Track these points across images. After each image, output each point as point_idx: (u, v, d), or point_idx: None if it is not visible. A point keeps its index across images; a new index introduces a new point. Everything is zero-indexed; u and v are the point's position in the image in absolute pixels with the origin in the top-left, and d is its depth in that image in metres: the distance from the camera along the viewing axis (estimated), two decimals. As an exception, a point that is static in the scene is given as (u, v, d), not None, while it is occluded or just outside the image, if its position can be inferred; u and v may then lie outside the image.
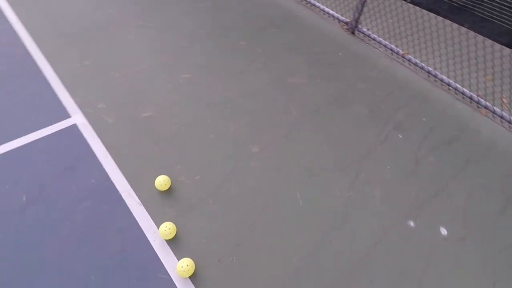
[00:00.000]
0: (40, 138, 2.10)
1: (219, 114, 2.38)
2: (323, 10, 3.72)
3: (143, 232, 1.77)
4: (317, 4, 3.77)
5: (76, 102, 2.35)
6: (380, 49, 3.30)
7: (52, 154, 2.04)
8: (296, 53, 3.02)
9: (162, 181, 1.90)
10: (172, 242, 1.75)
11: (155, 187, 1.92)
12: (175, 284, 1.62)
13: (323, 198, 2.01)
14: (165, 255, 1.70)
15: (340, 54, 3.15)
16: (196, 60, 2.80)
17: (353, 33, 3.53)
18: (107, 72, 2.61)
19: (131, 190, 1.92)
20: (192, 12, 3.40)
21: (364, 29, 3.40)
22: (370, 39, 3.36)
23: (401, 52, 3.17)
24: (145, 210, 1.85)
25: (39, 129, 2.15)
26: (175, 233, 1.75)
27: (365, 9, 3.40)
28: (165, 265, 1.68)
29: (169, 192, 1.94)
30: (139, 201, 1.88)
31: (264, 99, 2.53)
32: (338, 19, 3.62)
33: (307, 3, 3.89)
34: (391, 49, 3.20)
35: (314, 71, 2.86)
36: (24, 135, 2.11)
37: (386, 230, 1.91)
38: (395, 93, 2.77)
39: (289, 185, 2.05)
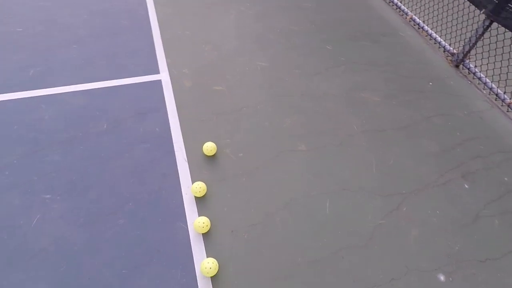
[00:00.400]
0: (131, 83, 2.51)
1: (280, 105, 2.49)
2: (430, 35, 3.49)
3: (179, 183, 2.00)
4: (426, 27, 3.55)
5: (167, 62, 2.72)
6: (483, 91, 2.96)
7: (135, 98, 2.42)
8: (380, 71, 2.92)
9: (209, 147, 2.10)
10: (199, 200, 1.94)
11: (202, 150, 2.13)
12: (189, 236, 1.80)
13: (352, 215, 1.96)
14: (190, 209, 1.90)
15: (430, 84, 2.93)
16: (277, 52, 2.94)
17: (457, 66, 3.24)
18: (200, 44, 2.94)
19: (183, 146, 2.17)
20: (292, 9, 3.54)
21: (471, 65, 3.09)
22: (475, 77, 3.04)
23: (508, 100, 2.80)
24: (187, 166, 2.08)
25: (133, 76, 2.56)
26: (204, 193, 1.94)
27: (478, 43, 3.08)
28: (187, 216, 1.87)
29: (212, 158, 2.13)
30: (185, 157, 2.12)
31: (328, 105, 2.54)
32: (444, 47, 3.36)
33: (415, 24, 3.69)
34: (497, 94, 2.85)
35: (392, 93, 2.74)
36: (120, 78, 2.54)
37: (409, 272, 1.78)
38: (481, 140, 2.48)
39: (322, 191, 2.05)
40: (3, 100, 2.36)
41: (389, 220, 1.96)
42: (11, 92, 2.42)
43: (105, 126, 2.24)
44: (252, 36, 3.11)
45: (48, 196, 1.89)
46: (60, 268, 1.66)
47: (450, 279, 1.78)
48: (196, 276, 1.69)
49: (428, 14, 3.59)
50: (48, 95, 2.40)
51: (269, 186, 2.04)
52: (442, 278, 1.78)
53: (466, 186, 2.19)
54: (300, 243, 1.83)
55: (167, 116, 2.33)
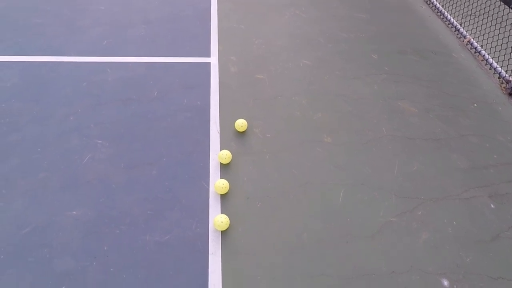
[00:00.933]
0: (184, 62, 2.83)
1: (314, 100, 2.62)
2: (487, 60, 3.40)
3: (209, 150, 2.23)
4: (483, 52, 3.46)
5: (218, 49, 3.01)
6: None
7: (185, 75, 2.72)
8: (423, 85, 2.93)
9: (241, 123, 2.30)
10: (223, 167, 2.14)
11: (234, 126, 2.34)
12: (209, 194, 2.01)
13: (364, 208, 2.02)
14: (214, 172, 2.11)
15: (474, 105, 2.88)
16: (323, 54, 3.09)
17: (510, 94, 3.13)
18: (251, 37, 3.20)
19: (218, 120, 2.40)
20: (345, 18, 3.68)
21: (526, 96, 2.98)
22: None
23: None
24: (218, 137, 2.30)
25: (187, 56, 2.88)
26: (228, 161, 2.14)
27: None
28: (210, 178, 2.08)
29: (241, 134, 2.33)
30: (218, 129, 2.35)
31: (362, 107, 2.62)
32: (499, 74, 3.26)
33: (472, 48, 3.62)
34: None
35: (431, 107, 2.74)
36: (176, 56, 2.88)
37: (412, 270, 1.80)
38: (517, 165, 2.39)
39: (339, 181, 2.14)
40: (79, 62, 2.80)
41: (400, 219, 1.99)
42: (87, 56, 2.85)
43: (155, 94, 2.56)
44: (301, 37, 3.30)
45: (99, 141, 2.22)
46: (100, 199, 1.95)
47: (455, 286, 1.77)
48: (208, 228, 1.87)
49: (487, 38, 3.50)
50: (114, 62, 2.79)
51: (289, 167, 2.18)
52: (446, 283, 1.77)
53: (492, 206, 2.14)
54: (308, 222, 1.94)
55: (209, 94, 2.59)
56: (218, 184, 1.97)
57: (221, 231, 1.86)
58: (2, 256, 1.70)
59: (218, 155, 2.14)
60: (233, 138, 2.31)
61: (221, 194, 2.01)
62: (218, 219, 1.83)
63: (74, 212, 1.88)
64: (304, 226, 1.92)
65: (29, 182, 1.99)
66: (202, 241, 1.83)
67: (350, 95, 2.71)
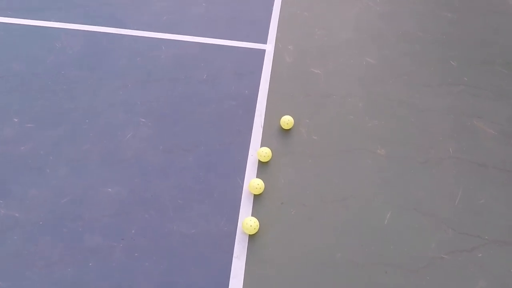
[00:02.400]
0: (238, 47, 2.70)
1: (372, 105, 2.35)
2: None
3: (249, 144, 2.11)
4: None
5: (276, 36, 2.82)
6: None
7: (237, 60, 2.59)
8: (508, 104, 2.47)
9: (287, 120, 2.14)
10: (261, 165, 2.01)
11: (279, 122, 2.18)
12: (242, 192, 1.90)
13: (412, 236, 1.78)
14: (251, 169, 1.99)
15: None
16: (390, 54, 2.75)
17: None
18: (313, 27, 2.95)
19: (264, 113, 2.26)
20: (426, 15, 3.23)
21: None
22: None
23: None
24: (261, 132, 2.16)
25: (243, 41, 2.74)
26: (268, 160, 2.00)
27: None
28: (246, 175, 1.97)
29: (286, 132, 2.17)
30: (262, 123, 2.21)
31: (428, 119, 2.29)
32: None
33: None
34: None
35: (513, 128, 2.31)
36: (232, 39, 2.75)
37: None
38: None
39: (387, 200, 1.90)
40: (138, 36, 2.81)
41: (454, 259, 1.72)
42: (145, 30, 2.85)
43: (204, 77, 2.47)
44: (369, 32, 2.97)
45: (143, 120, 2.21)
46: (135, 179, 1.95)
47: None
48: (236, 229, 1.78)
49: None
50: (170, 39, 2.75)
51: (333, 176, 1.99)
52: None
53: None
54: (344, 240, 1.75)
55: (259, 83, 2.44)
56: (253, 184, 1.86)
57: (249, 235, 1.75)
58: (41, 222, 1.78)
59: (258, 151, 2.01)
60: (276, 135, 2.16)
61: (254, 194, 1.89)
62: (247, 222, 1.72)
63: (109, 189, 1.90)
64: (339, 244, 1.74)
65: (74, 152, 2.05)
66: (228, 241, 1.74)
67: (416, 104, 2.38)
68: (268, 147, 2.05)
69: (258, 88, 2.41)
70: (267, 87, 2.41)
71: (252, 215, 1.82)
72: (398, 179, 1.99)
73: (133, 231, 1.76)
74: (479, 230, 1.82)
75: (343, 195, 1.92)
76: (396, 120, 2.28)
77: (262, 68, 2.54)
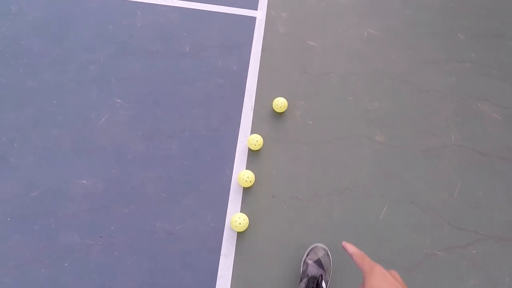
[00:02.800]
0: (225, 13, 2.38)
1: (373, 84, 2.15)
2: None
3: (238, 129, 1.92)
4: None
5: (268, 1, 2.49)
6: None
7: (224, 29, 2.30)
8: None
9: (280, 103, 1.94)
10: (251, 153, 1.85)
11: (272, 104, 1.98)
12: (230, 184, 1.76)
13: (407, 233, 1.71)
14: (240, 158, 1.83)
15: None
16: (395, 24, 2.48)
17: None
18: (310, -11, 2.62)
19: (254, 93, 2.04)
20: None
21: None
22: None
23: None
24: (251, 116, 1.97)
25: (230, 5, 2.41)
26: (259, 148, 1.84)
27: None
28: (234, 164, 1.82)
29: (279, 116, 1.98)
30: (253, 105, 2.00)
31: (431, 102, 2.13)
32: None
33: None
34: None
35: (519, 110, 2.17)
36: (217, 4, 2.41)
37: (448, 314, 1.53)
38: None
39: (384, 193, 1.80)
40: (109, -3, 2.44)
41: (448, 255, 1.67)
42: (118, -10, 2.47)
43: (187, 49, 2.20)
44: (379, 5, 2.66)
45: (119, 100, 1.97)
46: (112, 170, 1.77)
47: None
48: (224, 224, 1.67)
49: None
50: (146, 3, 2.40)
51: (328, 166, 1.85)
52: None
53: None
54: (339, 237, 1.67)
55: (249, 57, 2.19)
56: (242, 176, 1.71)
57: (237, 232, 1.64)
58: (9, 219, 1.62)
59: (248, 139, 1.84)
60: (267, 119, 1.97)
61: (244, 187, 1.75)
62: (236, 220, 1.60)
63: (84, 181, 1.73)
64: (332, 241, 1.65)
65: (42, 138, 1.83)
66: (216, 238, 1.64)
67: (419, 84, 2.20)
68: (259, 134, 1.88)
69: (248, 63, 2.16)
70: (258, 63, 2.17)
71: (241, 210, 1.70)
72: (396, 170, 1.87)
73: (112, 228, 1.63)
74: (476, 225, 1.76)
75: (339, 188, 1.80)
76: (397, 102, 2.11)
77: (252, 39, 2.27)
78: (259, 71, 2.14)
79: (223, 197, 1.73)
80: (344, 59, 2.24)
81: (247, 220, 1.62)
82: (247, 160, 1.84)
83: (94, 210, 1.66)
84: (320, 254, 1.51)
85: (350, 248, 0.67)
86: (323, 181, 1.81)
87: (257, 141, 1.81)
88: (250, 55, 2.20)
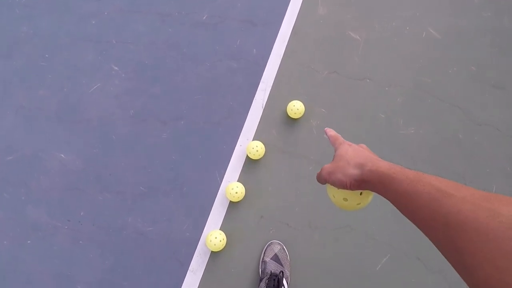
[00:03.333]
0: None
1: (416, 102, 1.76)
2: None
3: (241, 129, 1.66)
4: None
5: (315, -31, 2.02)
6: None
7: (252, 1, 1.91)
8: None
9: (296, 109, 1.63)
10: (249, 162, 1.61)
11: (286, 108, 1.67)
12: (217, 193, 1.56)
13: (406, 285, 1.47)
14: (234, 164, 1.60)
15: None
16: (466, 26, 1.97)
17: None
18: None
19: (269, 89, 1.73)
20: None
21: None
22: None
23: None
24: (260, 115, 1.68)
25: (267, -32, 1.98)
26: (258, 158, 1.58)
27: None
28: (227, 170, 1.59)
29: (291, 122, 1.68)
30: (264, 103, 1.71)
31: (482, 140, 1.73)
32: None
33: None
34: None
35: None
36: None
37: None
38: None
39: (389, 241, 1.54)
40: None
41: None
42: None
43: (204, 17, 1.86)
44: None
45: (116, 68, 1.73)
46: (94, 148, 1.60)
47: None
48: (200, 237, 1.50)
49: None
50: None
51: (332, 195, 1.59)
52: None
53: None
54: (323, 281, 1.47)
55: (274, 40, 1.83)
56: (229, 190, 1.49)
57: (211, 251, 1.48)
58: (-21, 180, 1.53)
59: (248, 146, 1.58)
60: (277, 124, 1.68)
61: (230, 201, 1.55)
62: (212, 237, 1.42)
63: (62, 155, 1.58)
64: (317, 281, 1.46)
65: (27, 97, 1.66)
66: (187, 250, 1.48)
67: (474, 113, 1.78)
68: (263, 140, 1.61)
69: (271, 48, 1.81)
70: (283, 49, 1.81)
71: (222, 225, 1.52)
72: (412, 216, 1.58)
73: (81, 214, 1.51)
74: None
75: (338, 223, 1.55)
76: (439, 132, 1.73)
77: (283, 18, 1.88)
78: (281, 60, 1.79)
79: (206, 206, 1.54)
80: (388, 62, 1.83)
81: (224, 240, 1.44)
82: (242, 168, 1.60)
83: (67, 190, 1.53)
84: (276, 249, 1.43)
85: (330, 131, 0.73)
86: (322, 211, 1.56)
87: (257, 150, 1.55)
88: (276, 37, 1.83)
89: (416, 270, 1.52)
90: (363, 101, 1.75)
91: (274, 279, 1.32)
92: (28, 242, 1.47)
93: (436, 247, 0.41)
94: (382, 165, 0.52)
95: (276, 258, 1.42)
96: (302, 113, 1.66)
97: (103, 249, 1.47)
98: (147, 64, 1.75)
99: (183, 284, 1.44)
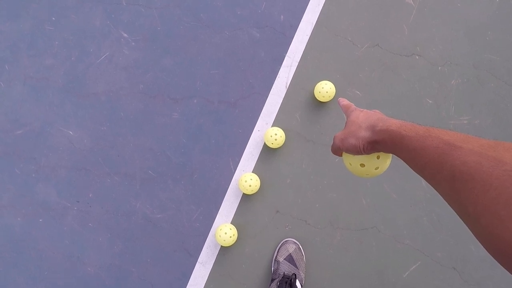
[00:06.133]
0: None
1: (473, 84, 1.44)
2: None
3: (260, 112, 1.46)
4: None
5: None
6: None
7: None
8: None
9: (325, 90, 1.38)
10: (266, 150, 1.43)
11: (313, 89, 1.43)
12: (230, 182, 1.42)
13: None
14: (251, 151, 1.44)
15: None
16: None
17: None
18: None
19: (296, 64, 1.48)
20: None
21: None
22: None
23: None
24: (282, 96, 1.46)
25: None
26: (277, 147, 1.40)
27: None
28: (242, 158, 1.44)
29: (318, 106, 1.45)
30: (288, 82, 1.47)
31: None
32: None
33: None
34: None
35: None
36: None
37: None
38: None
39: (421, 246, 1.36)
40: None
41: None
42: None
43: (227, -24, 1.58)
44: None
45: (125, 35, 1.54)
46: (102, 126, 1.50)
47: None
48: (210, 229, 1.41)
49: None
50: None
51: (360, 191, 1.40)
52: None
53: None
54: (342, 282, 1.34)
55: (307, 4, 1.53)
56: (243, 183, 1.35)
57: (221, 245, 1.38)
58: (-10, 155, 1.50)
59: (266, 131, 1.39)
60: (302, 106, 1.46)
61: (243, 193, 1.41)
62: (222, 232, 1.32)
63: (70, 132, 1.50)
64: (333, 286, 1.34)
65: (34, 66, 1.55)
66: (197, 241, 1.40)
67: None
68: (284, 126, 1.41)
69: (302, 14, 1.52)
70: (316, 17, 1.52)
71: (234, 218, 1.40)
72: (452, 222, 1.37)
73: (90, 195, 1.45)
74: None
75: (364, 224, 1.38)
76: (497, 122, 1.42)
77: (316, -18, 1.55)
78: (313, 29, 1.51)
79: (217, 196, 1.42)
80: (445, 35, 1.48)
81: (235, 236, 1.34)
82: (259, 156, 1.44)
83: (75, 170, 1.47)
84: (291, 249, 1.32)
85: (343, 101, 0.71)
86: (346, 209, 1.39)
87: (276, 138, 1.36)
88: (308, 2, 1.53)
89: (450, 280, 1.34)
90: (408, 82, 1.46)
91: (286, 282, 1.22)
92: (40, 220, 1.45)
93: (445, 200, 0.41)
94: (393, 123, 0.51)
95: (290, 259, 1.30)
96: (333, 96, 1.42)
97: (111, 233, 1.42)
98: (159, 31, 1.54)
99: (192, 275, 1.38)
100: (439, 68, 1.46)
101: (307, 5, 1.52)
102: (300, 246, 1.34)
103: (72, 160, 1.48)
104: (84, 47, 1.55)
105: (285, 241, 1.34)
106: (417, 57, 1.48)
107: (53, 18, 1.58)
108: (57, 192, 1.46)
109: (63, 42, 1.56)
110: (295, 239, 1.35)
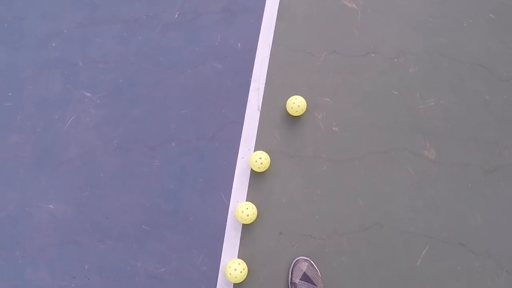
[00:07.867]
0: (228, -45, 1.68)
1: (431, 69, 1.54)
2: None
3: (240, 139, 1.47)
4: None
5: None
6: None
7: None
8: None
9: (296, 105, 1.42)
10: (255, 176, 1.43)
11: (285, 105, 1.47)
12: (227, 215, 1.40)
13: (452, 283, 1.33)
14: (240, 180, 1.43)
15: None
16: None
17: None
18: None
19: (263, 86, 1.51)
20: None
21: None
22: None
23: None
24: (257, 120, 1.48)
25: None
26: (264, 170, 1.40)
27: None
28: (233, 190, 1.42)
29: (294, 121, 1.48)
30: (260, 104, 1.50)
31: (509, 95, 1.52)
32: None
33: None
34: None
35: None
36: None
37: None
38: None
39: (425, 231, 1.38)
40: None
41: (502, 317, 1.31)
42: None
43: (176, 16, 1.62)
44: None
45: (88, 94, 1.52)
46: (83, 192, 1.43)
47: None
48: (218, 268, 1.36)
49: None
50: None
51: (355, 193, 1.42)
52: None
53: None
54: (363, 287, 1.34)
55: (259, 29, 1.59)
56: (240, 214, 1.33)
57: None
58: (-33, 251, 1.39)
59: (250, 158, 1.40)
60: (279, 126, 1.48)
61: (243, 224, 1.39)
62: (231, 269, 1.28)
63: (50, 206, 1.42)
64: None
65: (0, 148, 1.48)
66: (208, 285, 1.35)
67: (499, 68, 1.55)
68: (267, 148, 1.42)
69: (257, 39, 1.57)
70: (271, 38, 1.57)
71: (240, 251, 1.37)
72: (447, 199, 1.41)
73: (86, 267, 1.37)
74: (546, 281, 1.34)
75: (366, 223, 1.39)
76: (462, 98, 1.52)
77: (265, 1, 1.62)
78: (271, 50, 1.56)
79: (217, 233, 1.38)
80: (392, 29, 1.58)
81: (246, 270, 1.30)
82: (249, 183, 1.43)
83: (64, 244, 1.39)
84: (304, 267, 1.29)
85: None
86: (346, 213, 1.40)
87: (261, 162, 1.37)
88: (260, 24, 1.59)
89: (461, 256, 1.37)
90: (370, 80, 1.53)
91: None
92: (36, 307, 1.34)
93: None
94: None
95: (306, 278, 1.28)
96: (305, 108, 1.45)
97: (117, 300, 1.34)
98: (122, 84, 1.53)
99: (210, 322, 1.32)
100: (395, 60, 1.55)
101: (260, 28, 1.58)
102: (312, 262, 1.33)
103: (59, 235, 1.40)
104: (48, 115, 1.51)
105: (296, 260, 1.33)
106: (373, 55, 1.55)
107: (10, 94, 1.54)
108: (50, 274, 1.37)
109: (25, 115, 1.51)
110: (305, 256, 1.34)
